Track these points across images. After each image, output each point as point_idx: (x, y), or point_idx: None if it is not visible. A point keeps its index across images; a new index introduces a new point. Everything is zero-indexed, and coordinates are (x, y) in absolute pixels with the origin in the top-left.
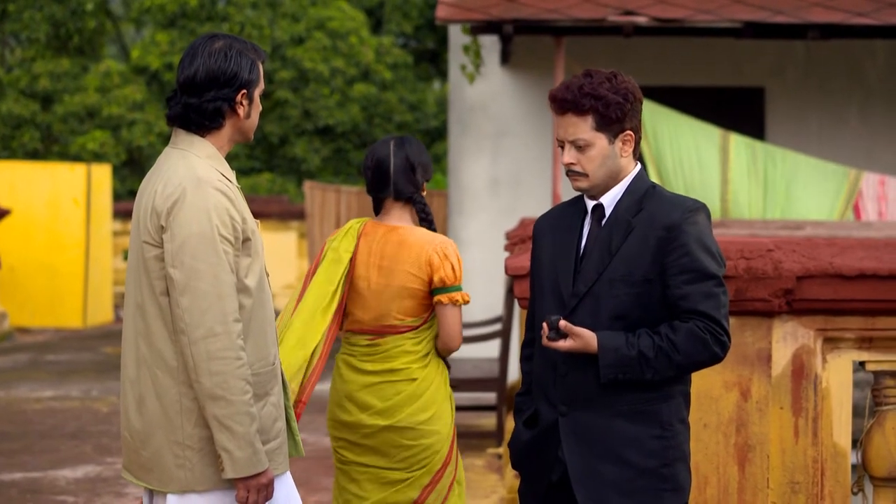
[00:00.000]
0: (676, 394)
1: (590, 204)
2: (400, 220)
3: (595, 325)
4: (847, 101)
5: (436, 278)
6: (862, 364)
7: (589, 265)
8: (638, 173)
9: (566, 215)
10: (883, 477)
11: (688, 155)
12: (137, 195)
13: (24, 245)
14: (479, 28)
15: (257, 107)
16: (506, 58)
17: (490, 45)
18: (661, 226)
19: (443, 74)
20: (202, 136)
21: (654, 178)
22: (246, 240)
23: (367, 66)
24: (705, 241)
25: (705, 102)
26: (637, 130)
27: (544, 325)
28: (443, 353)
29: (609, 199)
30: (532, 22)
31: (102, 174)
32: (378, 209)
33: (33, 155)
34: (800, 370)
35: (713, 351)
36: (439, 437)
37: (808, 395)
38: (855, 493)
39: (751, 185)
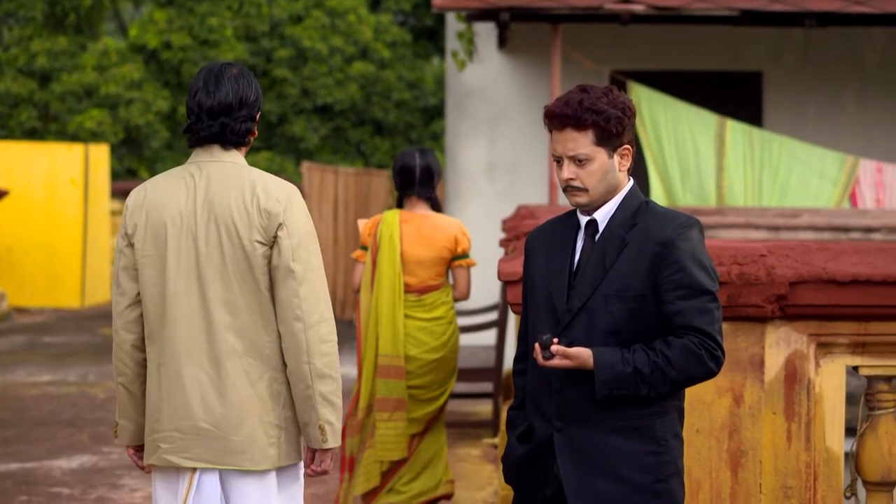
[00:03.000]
0: (671, 409)
1: (583, 219)
2: (424, 209)
3: (590, 341)
4: (845, 86)
5: (459, 249)
6: (855, 368)
7: (583, 281)
8: (631, 188)
9: (558, 230)
10: (876, 481)
11: (683, 141)
12: (201, 202)
13: (22, 225)
14: (475, 15)
15: None
16: (503, 42)
17: (487, 29)
18: (655, 241)
19: (441, 52)
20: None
21: (650, 165)
22: None
23: (365, 45)
24: (699, 256)
25: (703, 87)
26: (633, 144)
27: (537, 346)
28: (459, 300)
29: (602, 215)
30: (528, 10)
31: (100, 154)
32: (402, 201)
33: (31, 134)
34: (793, 375)
35: (708, 366)
36: (456, 366)
37: (800, 400)
38: (848, 497)
39: (746, 172)
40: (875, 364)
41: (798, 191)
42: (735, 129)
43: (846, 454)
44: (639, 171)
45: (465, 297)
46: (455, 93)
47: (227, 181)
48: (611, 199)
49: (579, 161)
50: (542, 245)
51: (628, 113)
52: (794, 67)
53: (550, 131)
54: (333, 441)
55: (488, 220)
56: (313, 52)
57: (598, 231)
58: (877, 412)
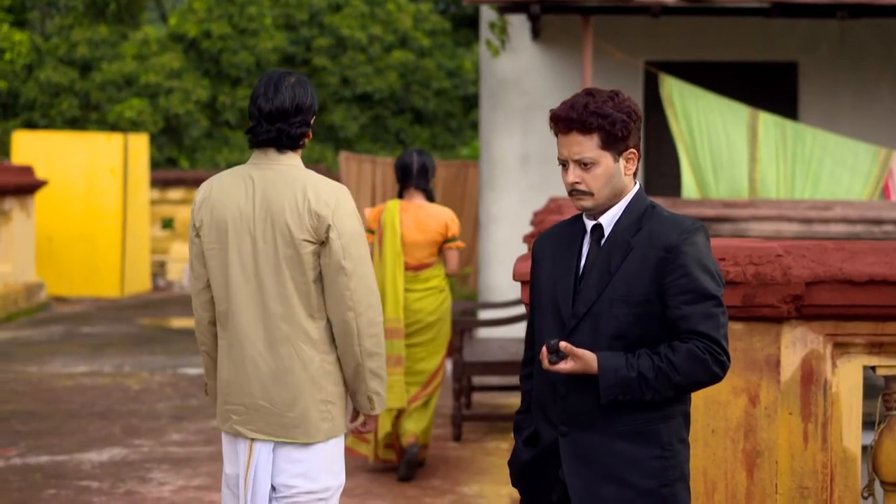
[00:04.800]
0: (676, 414)
1: (589, 224)
2: (421, 200)
3: (594, 346)
4: (880, 77)
5: (449, 234)
6: (873, 369)
7: (588, 285)
8: (637, 192)
9: (565, 235)
10: (894, 482)
11: (716, 133)
12: (259, 202)
13: (62, 215)
14: (506, 7)
15: None
16: (536, 33)
17: (521, 20)
18: (660, 246)
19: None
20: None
21: (682, 157)
22: None
23: (404, 33)
24: (704, 261)
25: (738, 78)
26: (639, 149)
27: (543, 349)
28: (449, 276)
29: (608, 219)
30: (559, 2)
31: (139, 144)
32: (402, 193)
33: (72, 123)
34: (809, 375)
35: (713, 371)
36: (450, 330)
37: (817, 401)
38: (865, 498)
39: (779, 165)
40: (892, 364)
41: (829, 184)
42: (767, 122)
43: (864, 448)
44: (671, 162)
45: (455, 273)
46: (489, 83)
47: (282, 184)
48: (616, 203)
49: (584, 165)
50: (548, 250)
51: (634, 117)
52: (829, 58)
53: (556, 135)
54: (379, 408)
55: (522, 211)
56: (352, 41)
57: (603, 236)
58: (894, 412)
